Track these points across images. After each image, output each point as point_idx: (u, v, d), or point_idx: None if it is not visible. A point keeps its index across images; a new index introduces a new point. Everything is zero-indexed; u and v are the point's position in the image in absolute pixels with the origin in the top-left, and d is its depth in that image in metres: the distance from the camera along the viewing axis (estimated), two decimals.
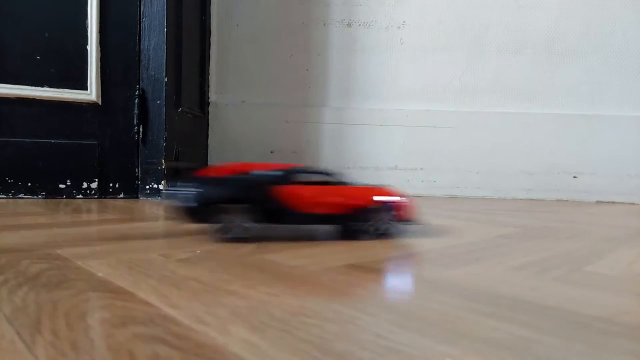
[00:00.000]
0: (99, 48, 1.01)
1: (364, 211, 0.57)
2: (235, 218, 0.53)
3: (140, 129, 1.05)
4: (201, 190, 0.52)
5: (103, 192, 1.02)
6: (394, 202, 0.59)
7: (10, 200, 0.93)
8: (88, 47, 1.00)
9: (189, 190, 0.52)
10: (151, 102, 1.05)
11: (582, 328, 0.28)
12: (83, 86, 1.00)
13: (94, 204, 0.92)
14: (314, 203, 0.56)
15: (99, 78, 1.01)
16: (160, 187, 1.04)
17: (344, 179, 0.60)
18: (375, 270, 0.42)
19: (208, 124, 1.41)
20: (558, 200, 1.36)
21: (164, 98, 1.05)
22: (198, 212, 0.52)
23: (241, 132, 1.41)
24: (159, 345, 0.24)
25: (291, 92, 1.42)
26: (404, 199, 0.61)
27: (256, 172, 0.57)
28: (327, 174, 0.60)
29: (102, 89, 1.02)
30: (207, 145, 1.41)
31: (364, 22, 1.41)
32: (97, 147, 1.02)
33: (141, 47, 1.05)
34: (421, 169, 1.40)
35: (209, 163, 1.41)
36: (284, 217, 0.55)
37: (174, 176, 0.99)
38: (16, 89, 0.95)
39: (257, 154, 1.40)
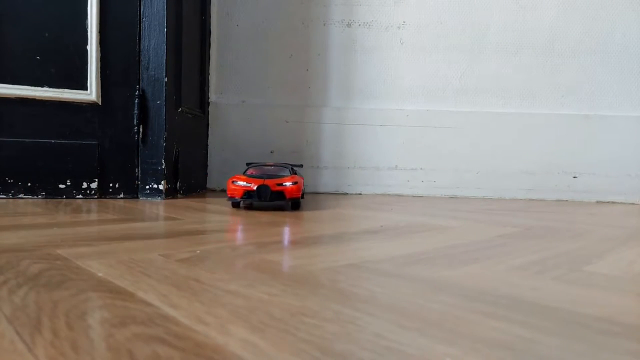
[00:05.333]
0: (99, 48, 1.01)
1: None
2: None
3: (140, 129, 1.05)
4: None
5: (103, 192, 1.02)
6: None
7: (10, 200, 0.93)
8: (88, 47, 1.00)
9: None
10: (151, 102, 1.05)
11: (582, 328, 0.28)
12: (83, 86, 1.00)
13: (94, 204, 0.92)
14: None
15: (99, 78, 1.01)
16: (160, 187, 1.04)
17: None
18: (375, 271, 0.42)
19: (208, 124, 1.41)
20: (558, 200, 1.36)
21: (164, 98, 1.05)
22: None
23: (241, 132, 1.41)
24: (159, 345, 0.24)
25: (291, 92, 1.42)
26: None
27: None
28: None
29: (102, 89, 1.02)
30: (207, 145, 1.41)
31: (364, 22, 1.41)
32: (97, 147, 1.02)
33: (141, 47, 1.05)
34: (421, 169, 1.40)
35: (208, 163, 1.41)
36: None
37: None
38: (16, 89, 0.95)
39: (257, 154, 1.40)
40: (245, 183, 0.87)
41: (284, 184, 0.87)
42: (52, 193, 0.98)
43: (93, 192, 1.01)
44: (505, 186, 1.39)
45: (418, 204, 1.12)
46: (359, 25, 1.41)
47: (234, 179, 0.89)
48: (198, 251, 0.48)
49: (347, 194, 1.40)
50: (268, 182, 0.86)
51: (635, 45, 1.36)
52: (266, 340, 0.25)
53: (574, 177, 1.38)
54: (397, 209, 0.98)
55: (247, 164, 1.04)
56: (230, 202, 0.95)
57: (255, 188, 0.86)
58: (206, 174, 1.41)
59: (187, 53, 1.18)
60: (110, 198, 1.02)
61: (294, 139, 1.41)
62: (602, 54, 1.37)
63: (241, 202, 0.92)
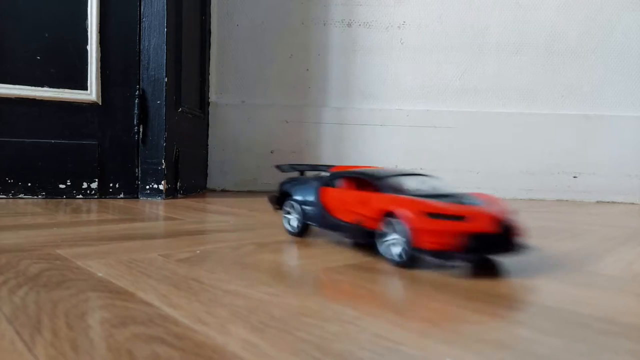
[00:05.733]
0: (99, 48, 1.01)
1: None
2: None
3: (140, 129, 1.05)
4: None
5: (103, 192, 1.02)
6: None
7: (10, 200, 0.93)
8: (88, 47, 1.00)
9: None
10: (151, 102, 1.05)
11: (582, 328, 0.28)
12: (83, 86, 1.00)
13: (94, 204, 0.92)
14: (345, 209, 0.48)
15: (99, 78, 1.01)
16: (160, 187, 1.04)
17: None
18: (375, 270, 0.42)
19: (208, 124, 1.41)
20: (558, 200, 1.36)
21: (164, 98, 1.05)
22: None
23: (241, 132, 1.41)
24: (159, 345, 0.24)
25: (291, 92, 1.42)
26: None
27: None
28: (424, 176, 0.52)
29: (102, 89, 1.02)
30: (207, 145, 1.41)
31: (364, 22, 1.41)
32: (97, 147, 1.02)
33: (141, 47, 1.05)
34: (421, 169, 1.40)
35: (208, 163, 1.41)
36: (321, 220, 0.53)
37: None
38: (16, 89, 0.95)
39: (257, 154, 1.40)
40: (457, 217, 0.41)
41: (502, 215, 0.42)
42: (52, 193, 0.98)
43: (93, 192, 1.01)
44: (505, 186, 1.39)
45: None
46: (359, 25, 1.41)
47: (420, 208, 0.41)
48: (198, 251, 0.48)
49: None
50: (485, 213, 0.42)
51: (635, 45, 1.36)
52: (266, 340, 0.25)
53: (574, 177, 1.38)
54: None
55: (291, 166, 0.67)
56: (395, 259, 0.43)
57: (496, 231, 0.41)
58: (206, 174, 1.41)
59: (187, 53, 1.18)
60: (110, 198, 1.02)
61: (294, 139, 1.41)
62: (602, 54, 1.37)
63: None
